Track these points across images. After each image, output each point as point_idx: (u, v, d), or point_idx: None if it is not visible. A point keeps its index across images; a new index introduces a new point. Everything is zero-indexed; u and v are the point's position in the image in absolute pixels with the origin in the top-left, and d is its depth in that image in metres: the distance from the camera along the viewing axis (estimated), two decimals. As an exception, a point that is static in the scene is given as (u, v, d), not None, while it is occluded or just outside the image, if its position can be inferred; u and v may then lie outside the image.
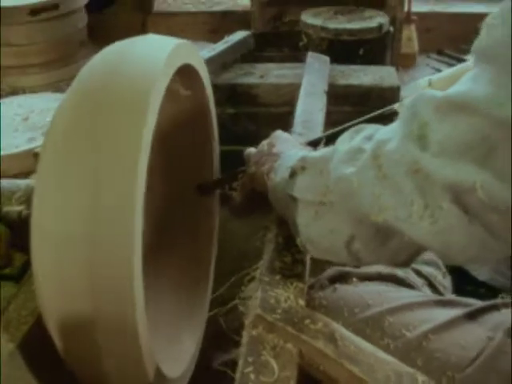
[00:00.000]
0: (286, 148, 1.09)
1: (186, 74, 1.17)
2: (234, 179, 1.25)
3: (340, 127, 1.12)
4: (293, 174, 0.92)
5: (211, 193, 1.41)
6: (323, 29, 2.29)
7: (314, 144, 1.16)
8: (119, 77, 0.91)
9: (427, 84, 1.09)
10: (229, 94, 2.00)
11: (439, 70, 2.75)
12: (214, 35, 2.96)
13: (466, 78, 0.70)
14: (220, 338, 1.16)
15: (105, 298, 0.82)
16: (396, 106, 1.07)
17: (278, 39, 2.66)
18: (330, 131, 1.18)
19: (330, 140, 1.11)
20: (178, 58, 1.06)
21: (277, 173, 1.00)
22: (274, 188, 0.99)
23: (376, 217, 0.75)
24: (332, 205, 0.83)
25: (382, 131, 0.79)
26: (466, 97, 0.67)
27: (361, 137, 0.83)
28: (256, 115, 2.04)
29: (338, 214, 0.82)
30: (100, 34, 2.77)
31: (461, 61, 2.84)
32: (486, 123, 0.64)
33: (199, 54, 1.24)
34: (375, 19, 2.38)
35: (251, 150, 1.19)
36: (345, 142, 0.85)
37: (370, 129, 0.85)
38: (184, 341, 1.27)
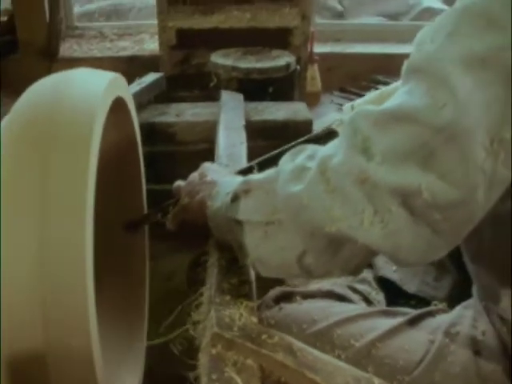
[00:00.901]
0: (219, 177, 1.12)
1: (116, 107, 1.19)
2: (161, 213, 1.26)
3: (270, 154, 1.17)
4: (235, 197, 0.94)
5: (139, 229, 1.41)
6: (234, 68, 2.35)
7: (244, 173, 1.18)
8: (61, 110, 0.91)
9: (350, 109, 1.15)
10: (146, 134, 2.01)
11: (342, 109, 2.86)
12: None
13: (399, 94, 0.76)
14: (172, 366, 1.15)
15: (58, 331, 0.81)
16: (334, 126, 1.12)
17: (188, 81, 2.71)
18: (261, 158, 1.22)
19: (262, 168, 1.15)
20: (114, 91, 1.08)
21: (215, 199, 1.02)
22: (214, 214, 1.01)
23: (329, 228, 0.78)
24: (281, 223, 0.85)
25: (324, 149, 0.83)
26: (403, 108, 0.72)
27: (303, 156, 0.86)
28: (174, 153, 2.06)
29: (288, 232, 0.84)
30: (4, 82, 2.72)
31: (362, 96, 2.97)
32: (424, 130, 0.70)
33: (128, 88, 1.26)
34: (282, 58, 2.46)
35: (180, 182, 1.21)
36: (288, 163, 0.88)
37: (309, 149, 0.89)
38: (125, 379, 1.25)
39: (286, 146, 1.15)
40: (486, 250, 0.91)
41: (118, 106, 1.20)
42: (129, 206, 1.41)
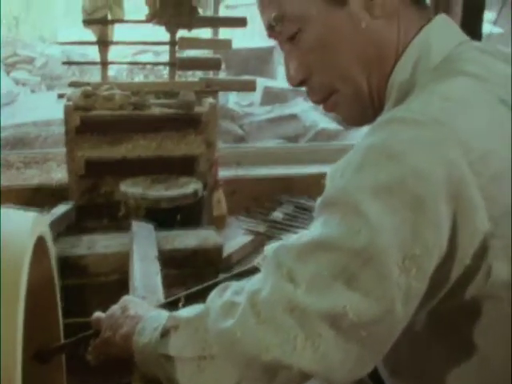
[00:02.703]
0: (143, 310, 1.14)
1: (37, 246, 1.21)
2: (77, 345, 1.26)
3: (196, 288, 1.22)
4: (165, 333, 0.97)
5: (51, 360, 1.39)
6: (143, 197, 2.40)
7: (169, 305, 1.22)
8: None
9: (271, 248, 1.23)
10: (57, 267, 2.01)
11: (249, 229, 2.96)
12: (29, 209, 2.95)
13: (315, 226, 0.84)
14: None
15: None
16: (256, 263, 1.18)
17: (97, 211, 2.73)
18: (184, 293, 1.26)
19: (187, 300, 1.20)
20: (36, 231, 1.11)
21: (142, 334, 1.04)
22: (142, 349, 1.03)
23: (265, 357, 0.82)
24: (213, 357, 0.88)
25: (250, 284, 0.88)
26: (321, 238, 0.81)
27: (230, 293, 0.92)
28: (86, 286, 2.06)
29: (221, 365, 0.88)
30: None
31: (267, 219, 3.08)
32: (343, 256, 0.78)
33: (48, 226, 1.29)
34: (190, 185, 2.54)
35: (99, 314, 1.22)
36: (216, 299, 0.93)
37: (235, 285, 0.94)
38: None
39: (210, 282, 1.20)
40: (404, 364, 0.97)
41: (39, 244, 1.22)
42: (47, 339, 1.41)
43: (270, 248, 1.16)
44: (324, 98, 1.01)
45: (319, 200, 0.86)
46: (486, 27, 4.14)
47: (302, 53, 0.97)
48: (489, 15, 4.63)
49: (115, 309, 1.19)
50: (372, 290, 0.77)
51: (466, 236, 0.78)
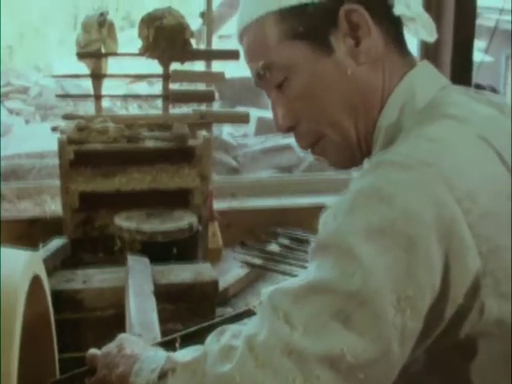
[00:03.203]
0: (139, 350, 1.13)
1: (32, 285, 1.21)
2: (72, 381, 1.25)
3: (192, 328, 1.21)
4: (162, 375, 0.96)
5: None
6: (138, 231, 2.40)
7: (165, 344, 1.21)
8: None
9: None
10: (53, 301, 2.00)
11: (245, 262, 2.96)
12: (22, 242, 2.94)
13: (309, 270, 0.84)
14: None
15: None
16: (252, 307, 1.18)
17: (92, 244, 2.73)
18: (181, 333, 1.25)
19: (182, 341, 1.19)
20: (31, 270, 1.11)
21: (139, 375, 1.03)
22: None
23: None
24: None
25: (247, 328, 0.88)
26: (316, 281, 0.80)
27: (228, 336, 0.91)
28: (82, 320, 2.05)
29: None
30: None
31: (263, 251, 3.08)
32: (338, 298, 0.78)
33: (42, 264, 1.29)
34: (185, 219, 2.54)
35: (94, 351, 1.21)
36: (214, 343, 0.92)
37: (232, 329, 0.94)
38: None
39: (206, 323, 1.20)
40: None
41: (35, 283, 1.22)
42: (42, 375, 1.40)
43: (265, 292, 1.16)
44: (312, 144, 1.02)
45: (313, 244, 0.87)
46: (478, 55, 4.20)
47: (290, 100, 0.98)
48: (479, 44, 4.70)
49: (111, 347, 1.18)
50: (368, 331, 0.77)
51: (458, 275, 0.78)
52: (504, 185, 0.82)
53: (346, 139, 0.98)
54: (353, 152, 0.98)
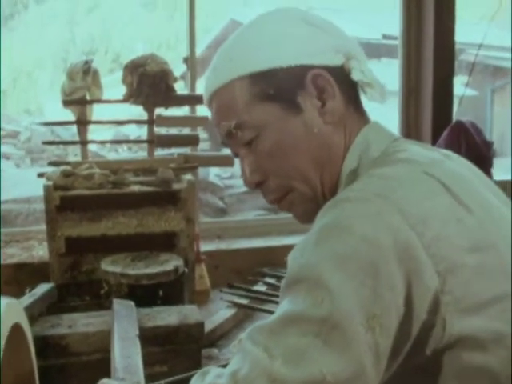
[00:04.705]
0: None
1: (12, 332, 1.23)
2: None
3: (176, 377, 1.23)
4: None
5: None
6: (123, 275, 2.42)
7: None
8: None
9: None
10: (38, 347, 2.01)
11: (233, 302, 2.98)
12: (10, 287, 2.96)
13: (282, 305, 0.88)
14: None
15: None
16: (231, 346, 1.20)
17: (79, 289, 2.74)
18: (165, 380, 1.27)
19: None
20: (10, 318, 1.13)
21: None
22: None
23: None
24: None
25: (229, 367, 0.91)
26: (289, 314, 0.85)
27: (212, 376, 0.94)
28: (67, 366, 2.06)
29: None
30: None
31: (250, 291, 3.10)
32: (312, 326, 0.82)
33: (23, 311, 1.31)
34: (170, 262, 2.57)
35: None
36: (198, 383, 0.95)
37: (215, 370, 0.97)
38: None
39: (190, 373, 1.21)
40: None
41: (15, 331, 1.24)
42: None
43: (244, 333, 1.19)
44: (280, 198, 1.08)
45: (283, 283, 0.91)
46: (459, 89, 4.29)
47: (259, 157, 1.05)
48: (463, 79, 4.78)
49: None
50: (343, 351, 0.81)
51: (420, 293, 0.84)
52: (451, 210, 0.89)
53: (313, 192, 1.05)
54: (319, 204, 1.02)
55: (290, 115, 1.01)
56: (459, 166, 1.02)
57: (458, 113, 4.02)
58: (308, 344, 0.82)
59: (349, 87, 1.05)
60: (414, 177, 0.93)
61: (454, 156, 1.07)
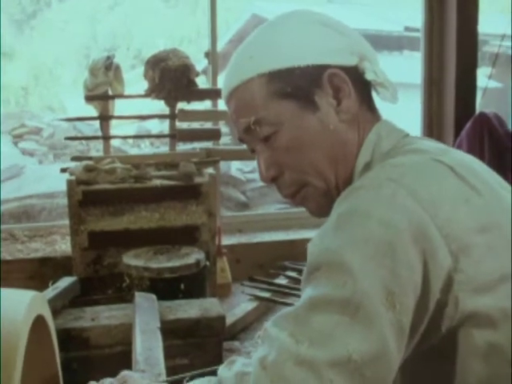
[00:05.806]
0: None
1: (36, 324, 1.23)
2: None
3: (199, 371, 1.23)
4: None
5: None
6: (146, 269, 2.44)
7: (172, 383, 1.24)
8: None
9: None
10: (61, 340, 2.03)
11: (254, 295, 2.98)
12: (34, 282, 3.00)
13: (306, 292, 0.89)
14: None
15: None
16: (256, 337, 1.20)
17: (101, 282, 2.76)
18: (188, 374, 1.27)
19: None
20: (34, 311, 1.14)
21: None
22: None
23: None
24: None
25: (256, 354, 0.92)
26: (313, 299, 0.87)
27: (239, 365, 0.97)
28: (89, 358, 2.08)
29: None
30: None
31: (271, 284, 3.10)
32: (336, 308, 0.85)
33: (47, 304, 1.32)
34: (192, 256, 2.58)
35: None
36: (226, 372, 0.98)
37: (241, 359, 1.00)
38: None
39: (213, 368, 1.22)
40: None
41: (38, 323, 1.25)
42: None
43: (268, 322, 1.20)
44: (295, 192, 1.10)
45: (305, 271, 0.93)
46: (483, 81, 4.25)
47: (275, 152, 1.08)
48: (487, 71, 4.74)
49: (111, 382, 1.21)
50: (367, 330, 0.83)
51: (434, 272, 0.87)
52: (460, 191, 0.93)
53: (327, 187, 1.08)
54: (332, 198, 1.04)
55: (306, 113, 1.05)
56: (466, 156, 1.05)
57: (481, 104, 3.99)
58: (333, 325, 0.84)
59: (362, 87, 1.08)
60: (423, 163, 0.97)
61: (460, 151, 1.10)
